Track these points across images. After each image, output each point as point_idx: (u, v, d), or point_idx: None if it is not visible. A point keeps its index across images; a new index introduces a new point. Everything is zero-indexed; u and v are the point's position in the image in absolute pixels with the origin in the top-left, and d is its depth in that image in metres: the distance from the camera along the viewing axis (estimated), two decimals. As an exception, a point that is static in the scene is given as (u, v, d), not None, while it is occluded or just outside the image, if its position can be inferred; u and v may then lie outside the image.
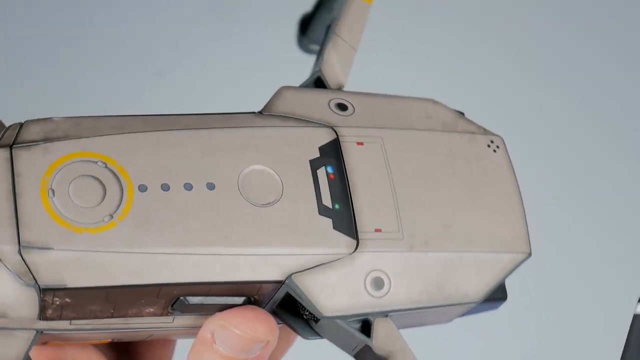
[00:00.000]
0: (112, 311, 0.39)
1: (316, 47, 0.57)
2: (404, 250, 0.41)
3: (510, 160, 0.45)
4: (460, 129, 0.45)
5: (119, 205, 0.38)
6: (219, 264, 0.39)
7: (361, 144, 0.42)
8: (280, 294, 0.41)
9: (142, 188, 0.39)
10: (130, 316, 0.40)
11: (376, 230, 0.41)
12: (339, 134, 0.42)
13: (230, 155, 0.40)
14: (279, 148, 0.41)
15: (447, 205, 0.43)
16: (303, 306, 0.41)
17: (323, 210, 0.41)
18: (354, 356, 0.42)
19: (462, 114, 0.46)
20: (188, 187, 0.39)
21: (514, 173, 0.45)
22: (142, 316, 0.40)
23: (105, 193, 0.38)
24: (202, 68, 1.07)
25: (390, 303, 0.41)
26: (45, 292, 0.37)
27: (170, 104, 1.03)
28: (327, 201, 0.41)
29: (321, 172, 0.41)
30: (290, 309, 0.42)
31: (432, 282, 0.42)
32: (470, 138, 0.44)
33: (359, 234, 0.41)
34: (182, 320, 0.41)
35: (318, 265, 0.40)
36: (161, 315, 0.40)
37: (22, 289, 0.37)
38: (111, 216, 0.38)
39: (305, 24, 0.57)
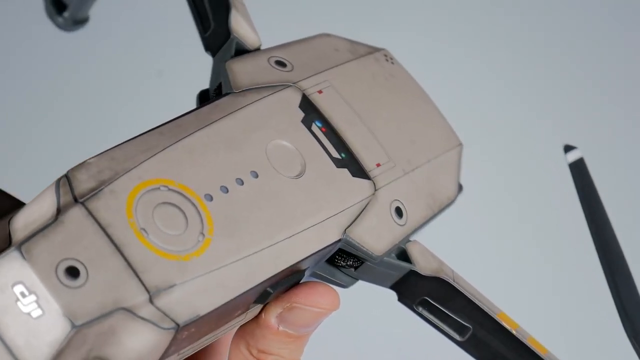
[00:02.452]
0: (215, 324, 0.40)
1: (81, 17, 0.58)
2: (401, 175, 0.45)
3: (405, 67, 0.49)
4: (362, 52, 0.48)
5: (202, 221, 0.39)
6: (298, 242, 0.41)
7: (320, 92, 0.45)
8: (330, 253, 0.43)
9: (208, 197, 0.39)
10: (221, 325, 0.40)
11: (377, 165, 0.44)
12: (301, 89, 0.44)
13: (249, 141, 0.41)
14: (273, 118, 0.43)
15: (401, 122, 0.46)
16: (345, 257, 0.43)
17: (337, 163, 0.43)
18: (392, 287, 0.45)
19: (351, 40, 0.49)
20: (239, 182, 0.40)
21: (414, 78, 0.49)
22: (231, 320, 0.41)
23: (185, 215, 0.38)
24: (201, 68, 1.08)
25: (412, 226, 0.44)
26: (182, 329, 0.37)
27: (170, 103, 1.03)
28: (334, 153, 0.43)
29: (315, 128, 0.43)
30: (331, 262, 0.44)
31: (428, 195, 0.45)
32: (375, 58, 0.48)
33: (370, 173, 0.44)
34: (251, 313, 0.42)
35: (359, 214, 0.43)
36: (242, 313, 0.41)
37: (157, 336, 0.36)
38: (203, 235, 0.38)
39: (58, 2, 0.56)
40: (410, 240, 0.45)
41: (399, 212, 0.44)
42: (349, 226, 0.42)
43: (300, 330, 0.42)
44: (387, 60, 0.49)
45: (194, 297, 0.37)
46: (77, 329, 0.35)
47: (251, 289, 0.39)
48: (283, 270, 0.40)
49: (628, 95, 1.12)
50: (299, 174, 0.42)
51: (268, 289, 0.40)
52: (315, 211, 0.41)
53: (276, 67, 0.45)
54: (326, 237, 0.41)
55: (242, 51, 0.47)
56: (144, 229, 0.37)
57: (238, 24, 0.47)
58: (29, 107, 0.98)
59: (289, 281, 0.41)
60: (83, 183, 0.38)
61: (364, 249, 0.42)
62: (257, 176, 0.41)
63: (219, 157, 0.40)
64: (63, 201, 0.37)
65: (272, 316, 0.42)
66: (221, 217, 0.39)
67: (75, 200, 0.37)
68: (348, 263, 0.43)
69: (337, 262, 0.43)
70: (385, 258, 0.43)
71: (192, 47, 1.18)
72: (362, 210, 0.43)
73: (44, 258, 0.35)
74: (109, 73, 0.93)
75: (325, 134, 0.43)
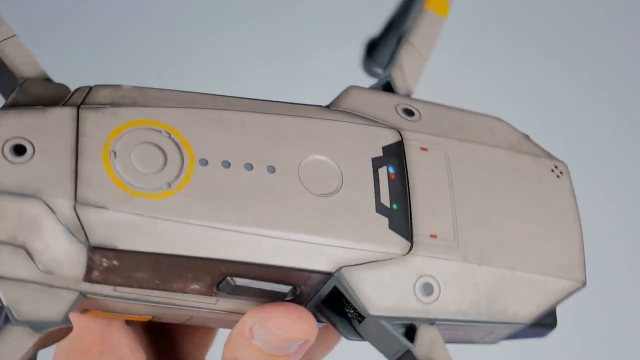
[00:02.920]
0: (157, 282, 0.39)
1: (381, 71, 0.57)
2: (458, 259, 0.41)
3: (572, 188, 0.44)
4: (525, 150, 0.44)
5: (178, 176, 0.38)
6: (272, 246, 0.39)
7: (425, 149, 0.42)
8: (326, 289, 0.40)
9: (203, 162, 0.39)
10: (174, 291, 0.40)
11: (431, 236, 0.41)
12: (403, 137, 0.42)
13: (294, 143, 0.40)
14: (343, 141, 0.41)
15: (506, 221, 0.42)
16: (348, 303, 0.40)
17: (380, 209, 0.40)
18: None
19: (528, 136, 0.45)
20: (248, 167, 0.39)
21: (576, 201, 0.44)
22: (187, 293, 0.40)
23: (166, 162, 0.39)
24: (201, 68, 1.08)
25: (438, 311, 0.40)
26: (94, 251, 0.37)
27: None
28: (385, 200, 0.41)
29: (382, 171, 0.41)
30: (334, 307, 0.41)
31: (483, 296, 0.41)
32: (535, 160, 0.44)
33: (414, 236, 0.40)
34: (225, 303, 0.41)
35: (369, 262, 0.40)
36: (205, 294, 0.40)
37: (72, 246, 0.37)
38: (169, 185, 0.38)
39: (372, 47, 0.57)
40: (429, 324, 0.40)
41: (427, 288, 0.40)
42: (348, 266, 0.39)
43: (274, 350, 0.40)
44: (552, 170, 0.44)
45: (119, 230, 0.37)
46: None
47: (187, 258, 0.38)
48: (240, 263, 0.38)
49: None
50: (324, 194, 0.40)
51: (229, 278, 0.39)
52: (313, 230, 0.39)
53: (400, 112, 0.43)
54: (314, 261, 0.39)
55: (390, 89, 0.46)
56: (114, 152, 0.38)
57: (397, 68, 0.46)
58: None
59: (265, 293, 0.40)
60: (97, 97, 0.40)
61: (357, 298, 0.39)
62: (273, 172, 0.40)
63: (248, 139, 0.40)
64: (68, 102, 0.39)
65: (245, 325, 0.40)
66: (201, 181, 0.38)
67: (77, 105, 0.39)
68: (350, 311, 0.40)
69: (346, 307, 0.41)
70: (383, 322, 0.40)
71: (190, 49, 1.18)
72: (377, 262, 0.40)
73: (3, 128, 0.38)
74: (109, 73, 0.94)
75: (390, 181, 0.41)
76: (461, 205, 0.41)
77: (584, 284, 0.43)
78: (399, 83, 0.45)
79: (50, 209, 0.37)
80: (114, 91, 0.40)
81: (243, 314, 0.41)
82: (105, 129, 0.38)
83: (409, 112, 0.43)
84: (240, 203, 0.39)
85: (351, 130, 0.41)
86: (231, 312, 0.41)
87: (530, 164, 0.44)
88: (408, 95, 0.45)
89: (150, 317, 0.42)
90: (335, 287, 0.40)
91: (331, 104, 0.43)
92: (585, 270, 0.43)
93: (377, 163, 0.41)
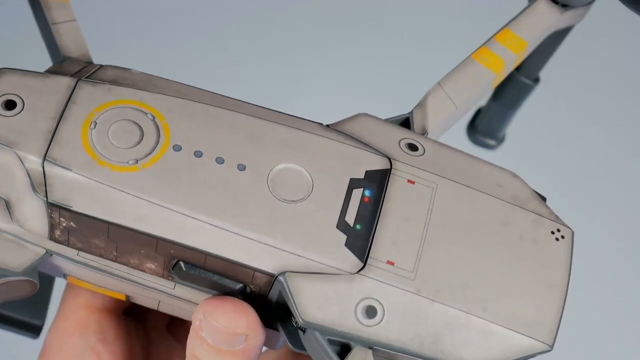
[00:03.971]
0: (115, 253, 0.41)
1: (488, 141, 0.58)
2: (410, 290, 0.40)
3: (570, 254, 0.42)
4: (528, 207, 0.42)
5: (147, 155, 0.40)
6: (218, 236, 0.39)
7: (412, 182, 0.41)
8: (274, 293, 0.40)
9: (177, 148, 0.41)
10: (132, 266, 0.41)
11: (388, 262, 0.40)
12: (393, 167, 0.42)
13: (273, 148, 0.41)
14: (326, 158, 0.41)
15: (477, 267, 0.40)
16: (294, 317, 0.40)
17: (342, 225, 0.40)
18: None
19: (542, 198, 0.43)
20: (220, 160, 0.41)
21: (570, 267, 0.41)
22: (144, 271, 0.41)
23: (140, 140, 0.41)
24: (200, 67, 1.09)
25: (377, 335, 0.39)
26: (52, 208, 0.40)
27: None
28: (350, 219, 0.40)
29: (357, 192, 0.41)
30: (285, 315, 0.41)
31: (429, 333, 0.39)
32: (535, 219, 0.42)
33: (369, 259, 0.40)
34: (183, 291, 0.42)
35: (315, 273, 0.39)
36: (162, 276, 0.41)
37: (36, 200, 0.40)
38: (136, 161, 0.40)
39: (476, 116, 0.58)
40: (367, 348, 0.39)
41: (370, 311, 0.39)
42: (292, 272, 0.39)
43: (221, 344, 0.40)
44: (553, 233, 0.42)
45: (77, 192, 0.40)
46: None
47: (137, 232, 0.40)
48: (187, 248, 0.39)
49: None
50: (287, 201, 0.40)
51: (180, 262, 0.40)
52: (263, 230, 0.40)
53: (402, 146, 0.43)
54: (259, 260, 0.40)
55: (407, 125, 0.46)
56: (95, 122, 0.41)
57: (419, 106, 0.46)
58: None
59: (216, 286, 0.41)
60: (102, 74, 0.42)
61: (294, 303, 0.39)
62: (242, 169, 0.41)
63: (228, 136, 0.41)
64: (75, 74, 0.42)
65: (195, 317, 0.41)
66: (167, 164, 0.40)
67: (80, 78, 0.42)
68: (294, 320, 0.40)
69: (293, 316, 0.40)
70: (317, 334, 0.39)
71: (189, 50, 1.19)
72: (323, 274, 0.39)
73: (4, 83, 0.41)
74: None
75: (362, 203, 0.41)
76: (432, 241, 0.40)
77: (551, 347, 0.40)
78: (416, 121, 0.45)
79: (21, 161, 0.40)
80: (121, 72, 0.43)
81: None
82: (95, 102, 0.41)
83: (413, 147, 0.43)
84: (198, 190, 0.40)
85: (339, 150, 0.42)
86: (190, 302, 0.42)
87: (527, 221, 0.42)
88: (422, 134, 0.44)
89: (123, 294, 0.43)
90: (281, 294, 0.40)
91: (333, 124, 0.43)
92: (555, 335, 0.40)
93: (354, 184, 0.41)
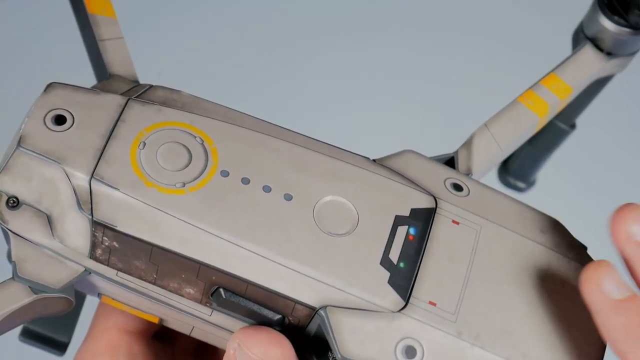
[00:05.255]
0: (154, 276, 0.41)
1: (519, 183, 0.59)
2: (451, 333, 0.39)
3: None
4: (570, 256, 0.42)
5: (195, 179, 0.40)
6: (262, 265, 0.39)
7: (457, 223, 0.41)
8: (312, 326, 0.40)
9: (224, 173, 0.40)
10: (170, 290, 0.41)
11: (430, 303, 0.40)
12: (438, 206, 0.41)
13: (320, 179, 0.41)
14: (372, 193, 0.41)
15: (519, 313, 0.40)
16: (331, 348, 0.39)
17: (385, 262, 0.40)
18: None
19: (585, 247, 0.43)
20: (267, 189, 0.40)
21: None
22: (183, 296, 0.41)
23: (188, 164, 0.40)
24: (200, 68, 1.09)
25: None
26: (96, 226, 0.40)
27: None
28: (394, 256, 0.40)
29: (402, 230, 0.41)
30: (323, 349, 0.41)
31: None
32: (577, 267, 0.42)
33: (412, 298, 0.39)
34: (219, 318, 0.41)
35: (356, 309, 0.39)
36: (200, 302, 0.41)
37: (80, 218, 0.40)
38: (183, 184, 0.40)
39: (509, 158, 0.58)
40: None
41: (410, 351, 0.39)
42: (334, 307, 0.39)
43: None
44: None
45: (123, 212, 0.39)
46: (20, 149, 0.40)
47: (180, 256, 0.39)
48: (229, 275, 0.39)
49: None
50: (332, 234, 0.40)
51: (221, 290, 0.40)
52: (307, 261, 0.39)
53: (447, 185, 0.43)
54: (301, 292, 0.39)
55: (451, 165, 0.45)
56: (144, 142, 0.41)
57: (464, 146, 0.46)
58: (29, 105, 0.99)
59: (255, 315, 0.40)
60: (152, 95, 0.42)
61: (334, 338, 0.39)
62: (289, 199, 0.40)
63: (274, 164, 0.41)
64: (125, 93, 0.43)
65: (229, 346, 0.41)
66: (215, 189, 0.40)
67: (130, 97, 0.42)
68: (332, 356, 0.40)
69: (330, 353, 0.40)
70: None
71: (187, 51, 1.18)
72: (365, 311, 0.39)
73: (55, 97, 0.41)
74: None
75: (407, 241, 0.40)
76: (474, 283, 0.40)
77: None
78: (461, 160, 0.46)
79: (68, 177, 0.40)
80: (170, 93, 0.43)
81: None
82: (145, 122, 0.41)
83: (458, 187, 0.43)
84: (244, 218, 0.39)
85: (385, 185, 0.41)
86: (225, 329, 0.42)
87: (571, 270, 0.42)
88: (467, 175, 0.44)
89: (157, 317, 0.43)
90: (320, 328, 0.40)
91: (379, 159, 0.43)
92: None
93: (399, 221, 0.41)
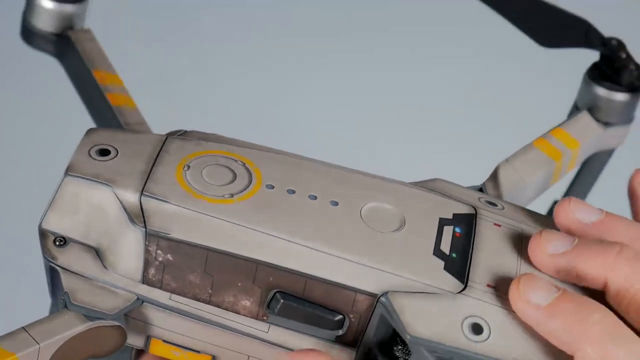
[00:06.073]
0: (210, 291, 0.41)
1: None
2: (513, 311, 0.39)
3: None
4: None
5: (242, 191, 0.41)
6: (318, 259, 0.40)
7: (499, 225, 0.42)
8: (374, 321, 0.40)
9: (269, 186, 0.42)
10: (226, 307, 0.41)
11: (488, 285, 0.40)
12: (478, 213, 0.43)
13: (362, 190, 0.42)
14: (414, 201, 0.42)
15: None
16: (396, 342, 0.39)
17: (438, 253, 0.40)
18: None
19: None
20: (312, 197, 0.42)
21: None
22: (238, 311, 0.41)
23: (233, 180, 0.42)
24: (200, 68, 1.09)
25: (486, 351, 0.38)
26: (150, 239, 0.40)
27: (170, 99, 1.04)
28: (445, 248, 0.41)
29: (448, 229, 0.42)
30: (388, 349, 0.40)
31: (535, 347, 0.39)
32: None
33: (469, 281, 0.40)
34: (277, 333, 0.41)
35: (417, 292, 0.39)
36: (257, 317, 0.41)
37: (132, 235, 0.40)
38: (232, 195, 0.41)
39: None
40: None
41: (476, 328, 0.39)
42: (395, 292, 0.39)
43: None
44: None
45: (176, 221, 0.40)
46: (68, 177, 0.41)
47: (236, 257, 0.40)
48: (287, 271, 0.39)
49: None
50: (380, 231, 0.41)
51: (277, 294, 0.40)
52: (361, 253, 0.40)
53: (482, 201, 0.44)
54: (360, 280, 0.39)
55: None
56: (188, 165, 0.42)
57: (489, 179, 0.48)
58: (34, 106, 1.00)
59: (314, 319, 0.40)
60: (189, 135, 0.44)
61: (399, 320, 0.38)
62: (335, 205, 0.41)
63: (316, 179, 0.42)
64: (170, 133, 0.44)
65: None
66: (263, 198, 0.41)
67: (168, 135, 0.44)
68: (399, 349, 0.39)
69: (394, 346, 0.40)
70: (424, 351, 0.38)
71: (188, 51, 1.18)
72: (425, 294, 0.39)
73: (97, 136, 0.43)
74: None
75: (454, 237, 0.41)
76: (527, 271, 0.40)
77: None
78: (489, 189, 0.47)
79: (117, 197, 0.41)
80: (205, 135, 0.44)
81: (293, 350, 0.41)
82: (186, 151, 0.43)
83: (493, 204, 0.44)
84: (295, 219, 0.40)
85: (425, 196, 0.43)
86: (283, 348, 0.41)
87: None
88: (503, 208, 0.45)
89: (210, 356, 0.43)
90: (383, 319, 0.39)
91: (412, 183, 0.44)
92: None
93: (444, 222, 0.42)
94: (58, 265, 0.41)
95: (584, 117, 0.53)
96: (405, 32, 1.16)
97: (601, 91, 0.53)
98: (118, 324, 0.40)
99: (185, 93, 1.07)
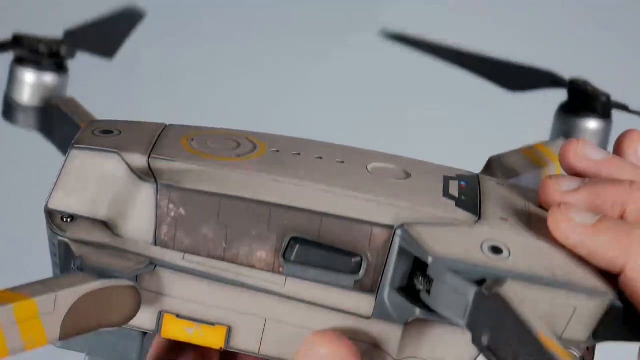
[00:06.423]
0: (224, 245, 0.40)
1: None
2: (531, 235, 0.40)
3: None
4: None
5: (249, 153, 0.42)
6: (331, 198, 0.40)
7: (502, 185, 0.43)
8: (392, 255, 0.40)
9: (275, 150, 0.42)
10: (241, 262, 0.41)
11: (502, 219, 0.40)
12: (480, 177, 0.43)
13: (366, 155, 0.43)
14: (417, 164, 0.43)
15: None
16: (416, 274, 0.39)
17: (447, 195, 0.41)
18: (468, 325, 0.38)
19: None
20: (318, 157, 0.42)
21: None
22: (254, 265, 0.40)
23: (239, 147, 0.42)
24: (200, 68, 1.09)
25: (509, 267, 0.38)
26: (161, 193, 0.40)
27: (171, 98, 1.04)
28: (453, 192, 0.41)
29: (453, 182, 0.42)
30: (410, 284, 0.40)
31: (558, 267, 0.39)
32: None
33: (482, 214, 0.40)
34: (294, 285, 0.40)
35: (432, 223, 0.40)
36: (272, 269, 0.40)
37: (143, 196, 0.41)
38: (239, 155, 0.42)
39: None
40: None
41: (496, 249, 0.39)
42: (411, 222, 0.39)
43: None
44: None
45: (185, 175, 0.40)
46: (74, 149, 0.42)
47: (250, 202, 0.40)
48: (301, 211, 0.40)
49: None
50: (388, 180, 0.41)
51: (292, 240, 0.40)
52: (378, 192, 0.40)
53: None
54: (375, 214, 0.40)
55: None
56: (192, 139, 0.43)
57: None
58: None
59: (331, 262, 0.40)
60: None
61: (419, 245, 0.38)
62: (341, 162, 0.42)
63: (320, 149, 0.43)
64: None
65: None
66: (270, 157, 0.41)
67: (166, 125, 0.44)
68: (419, 281, 0.39)
69: (414, 283, 0.40)
70: (448, 272, 0.38)
71: (187, 52, 1.17)
72: (441, 223, 0.40)
73: (99, 123, 0.44)
74: (112, 74, 0.95)
75: (461, 188, 0.42)
76: (537, 214, 0.41)
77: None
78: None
79: (125, 161, 0.41)
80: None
81: (310, 303, 0.41)
82: (189, 130, 0.43)
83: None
84: (306, 169, 0.41)
85: (427, 163, 0.43)
86: (301, 302, 0.41)
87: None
88: None
89: (223, 331, 0.42)
90: (401, 253, 0.39)
91: None
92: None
93: (448, 178, 0.42)
94: (68, 238, 0.40)
95: (562, 142, 0.54)
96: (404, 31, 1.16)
97: (578, 122, 0.55)
98: (132, 284, 0.40)
99: (185, 93, 1.07)
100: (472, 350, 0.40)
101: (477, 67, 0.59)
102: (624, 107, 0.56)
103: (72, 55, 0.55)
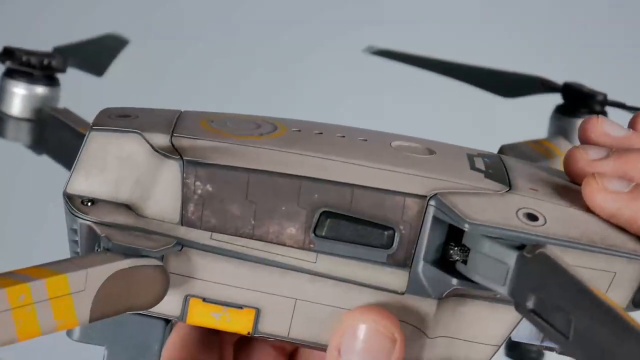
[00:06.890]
0: (252, 222, 0.39)
1: None
2: (563, 204, 0.39)
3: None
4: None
5: (270, 132, 0.41)
6: (361, 170, 0.39)
7: (523, 162, 0.43)
8: (426, 226, 0.39)
9: (297, 130, 0.41)
10: (270, 239, 0.40)
11: (531, 189, 0.40)
12: (502, 157, 0.43)
13: (386, 135, 0.43)
14: (439, 144, 0.43)
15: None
16: (451, 246, 0.39)
17: (475, 168, 0.41)
18: (510, 291, 0.37)
19: None
20: (341, 136, 0.41)
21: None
22: (284, 242, 0.40)
23: (259, 127, 0.41)
24: (200, 68, 1.09)
25: (547, 233, 0.38)
26: (187, 170, 0.39)
27: (171, 97, 1.04)
28: (480, 166, 0.41)
29: (477, 158, 0.42)
30: (443, 255, 0.40)
31: (594, 232, 0.38)
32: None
33: (512, 185, 0.40)
34: (325, 263, 0.40)
35: (464, 192, 0.39)
36: (303, 246, 0.40)
37: (168, 174, 0.39)
38: (261, 134, 0.41)
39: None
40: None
41: (531, 216, 0.39)
42: (444, 192, 0.39)
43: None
44: None
45: (210, 152, 0.39)
46: (93, 131, 0.40)
47: (279, 176, 0.39)
48: (332, 184, 0.39)
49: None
50: (414, 155, 0.41)
51: (323, 213, 0.39)
52: (407, 165, 0.40)
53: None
54: (407, 186, 0.39)
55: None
56: (211, 121, 0.42)
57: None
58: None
59: (364, 236, 0.39)
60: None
61: (454, 212, 0.38)
62: (365, 140, 0.41)
63: (339, 128, 0.42)
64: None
65: (332, 346, 0.40)
66: (292, 136, 0.41)
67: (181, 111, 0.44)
68: (455, 252, 0.39)
69: (449, 255, 0.39)
70: (484, 239, 0.38)
71: (187, 52, 1.17)
72: (474, 192, 0.39)
73: (114, 109, 0.42)
74: (113, 74, 0.96)
75: (486, 162, 0.42)
76: (565, 186, 0.41)
77: None
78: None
79: (147, 140, 0.40)
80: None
81: (341, 280, 0.40)
82: (204, 115, 0.42)
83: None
84: (329, 145, 0.40)
85: (447, 145, 0.43)
86: (333, 278, 0.40)
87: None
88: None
89: (252, 314, 0.40)
90: (435, 223, 0.39)
91: None
92: None
93: (472, 155, 0.42)
94: (90, 220, 0.39)
95: (563, 140, 0.55)
96: (405, 32, 1.16)
97: (576, 121, 0.56)
98: (161, 263, 0.38)
99: (186, 93, 1.07)
100: (506, 328, 0.40)
101: (467, 77, 0.59)
102: (620, 105, 0.56)
103: (63, 68, 0.54)
